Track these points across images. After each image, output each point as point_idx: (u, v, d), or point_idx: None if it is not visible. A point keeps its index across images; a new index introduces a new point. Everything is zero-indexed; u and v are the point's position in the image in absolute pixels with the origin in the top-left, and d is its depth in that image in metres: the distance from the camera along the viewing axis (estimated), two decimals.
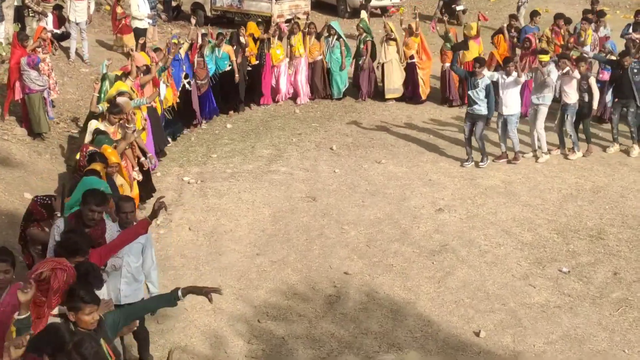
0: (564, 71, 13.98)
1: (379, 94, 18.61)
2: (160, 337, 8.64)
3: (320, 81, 18.64)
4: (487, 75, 13.74)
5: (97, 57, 19.61)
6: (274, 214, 12.07)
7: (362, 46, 18.30)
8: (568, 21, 18.19)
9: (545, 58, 14.12)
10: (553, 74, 14.04)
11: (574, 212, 12.17)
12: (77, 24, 18.62)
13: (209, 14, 27.72)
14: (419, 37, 17.97)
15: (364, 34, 18.37)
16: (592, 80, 14.32)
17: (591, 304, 9.41)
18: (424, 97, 18.28)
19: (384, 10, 30.68)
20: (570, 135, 14.40)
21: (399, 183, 13.31)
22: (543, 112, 14.17)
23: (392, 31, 17.97)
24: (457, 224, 11.71)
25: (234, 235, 11.31)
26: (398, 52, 18.08)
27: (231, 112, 17.38)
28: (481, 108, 13.61)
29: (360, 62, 18.37)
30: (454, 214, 12.08)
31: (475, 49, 17.30)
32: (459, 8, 27.79)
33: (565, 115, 14.24)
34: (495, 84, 13.84)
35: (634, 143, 14.72)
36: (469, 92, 13.80)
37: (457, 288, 9.75)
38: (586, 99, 14.27)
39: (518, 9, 26.96)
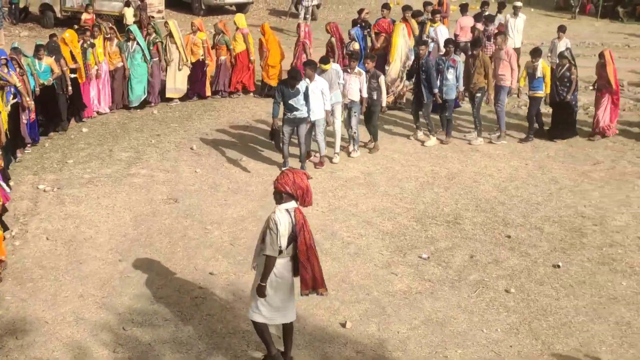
0: (354, 71, 14.12)
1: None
2: (19, 354, 8.30)
3: (120, 89, 17.75)
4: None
5: None
6: (135, 218, 11.85)
7: (152, 47, 18.02)
8: (418, 14, 18.71)
9: (326, 67, 13.98)
10: (340, 77, 14.13)
11: (431, 200, 12.57)
12: None
13: (59, 15, 26.89)
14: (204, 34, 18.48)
15: (154, 35, 18.13)
16: (382, 79, 14.57)
17: (450, 287, 9.75)
18: (208, 94, 18.76)
19: (240, 7, 30.71)
20: (355, 133, 14.55)
21: (260, 180, 13.35)
22: (338, 110, 14.28)
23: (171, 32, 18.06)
24: (319, 217, 11.85)
25: (95, 242, 11.02)
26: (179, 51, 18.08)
27: (52, 134, 15.81)
28: (303, 112, 13.27)
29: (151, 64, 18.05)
30: (315, 207, 12.17)
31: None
32: (314, 3, 28.11)
33: (353, 113, 14.34)
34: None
35: (431, 134, 15.47)
36: (290, 102, 13.14)
37: None
38: (375, 96, 14.46)
39: (306, 10, 27.26)
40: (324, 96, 13.51)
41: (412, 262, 10.42)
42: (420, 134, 15.54)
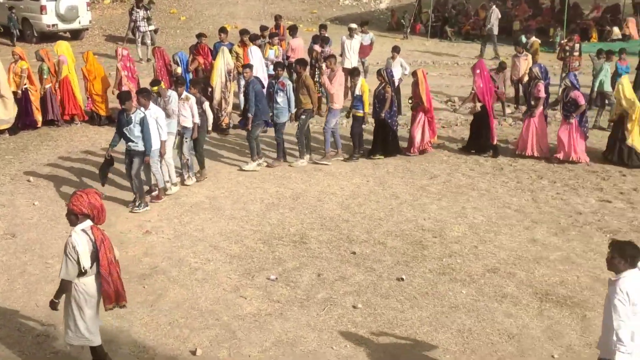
0: (182, 97, 13.96)
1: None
2: None
3: None
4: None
5: None
6: None
7: None
8: (255, 37, 18.91)
9: (155, 89, 13.85)
10: (173, 103, 13.84)
11: (277, 220, 12.67)
12: None
13: None
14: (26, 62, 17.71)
15: None
16: (206, 105, 14.45)
17: (299, 307, 9.84)
18: (39, 124, 17.96)
19: (75, 33, 30.02)
20: (187, 160, 14.35)
21: None
22: (171, 140, 13.85)
23: None
24: (165, 244, 11.71)
25: None
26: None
27: None
28: (138, 144, 12.74)
29: None
30: (161, 234, 12.07)
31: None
32: (151, 28, 27.75)
33: (185, 139, 14.14)
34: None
35: (252, 158, 15.37)
36: (124, 130, 12.88)
37: (170, 309, 9.74)
38: (200, 123, 14.22)
39: (144, 35, 26.96)
40: (159, 126, 13.05)
41: (261, 284, 10.45)
42: (254, 165, 15.41)
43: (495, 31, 27.73)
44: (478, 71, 16.22)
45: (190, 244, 11.73)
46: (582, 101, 15.45)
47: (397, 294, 10.21)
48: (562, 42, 22.56)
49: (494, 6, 28.02)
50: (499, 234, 12.22)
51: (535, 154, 16.01)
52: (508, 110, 19.69)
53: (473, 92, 16.20)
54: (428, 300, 10.05)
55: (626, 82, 15.98)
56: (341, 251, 11.55)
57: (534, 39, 20.89)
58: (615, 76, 18.68)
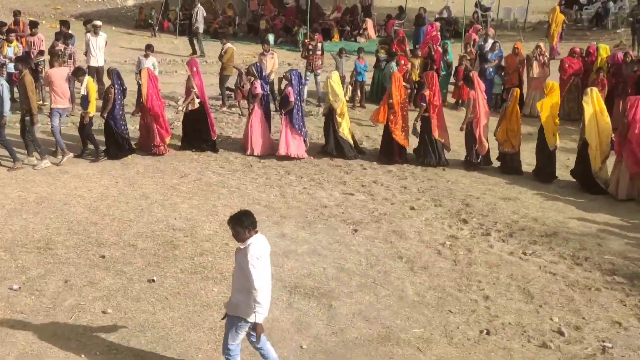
0: None
1: None
2: None
3: None
4: None
5: None
6: None
7: None
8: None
9: None
10: None
11: (19, 227, 12.07)
12: None
13: None
14: None
15: None
16: None
17: (45, 316, 9.44)
18: None
19: None
20: None
21: None
22: None
23: None
24: None
25: None
26: None
27: None
28: None
29: None
30: None
31: None
32: None
33: None
34: None
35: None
36: None
37: None
38: None
39: None
40: None
41: (2, 295, 9.89)
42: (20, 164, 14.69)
43: (201, 29, 28.29)
44: (195, 69, 16.49)
45: None
46: (291, 97, 16.08)
47: (148, 296, 10.09)
48: (306, 41, 23.32)
49: (199, 4, 28.55)
50: None
51: (256, 152, 16.49)
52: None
53: (194, 90, 16.28)
54: (180, 300, 10.03)
55: (335, 78, 16.71)
56: (90, 255, 11.22)
57: (228, 45, 20.95)
58: (354, 75, 19.85)
